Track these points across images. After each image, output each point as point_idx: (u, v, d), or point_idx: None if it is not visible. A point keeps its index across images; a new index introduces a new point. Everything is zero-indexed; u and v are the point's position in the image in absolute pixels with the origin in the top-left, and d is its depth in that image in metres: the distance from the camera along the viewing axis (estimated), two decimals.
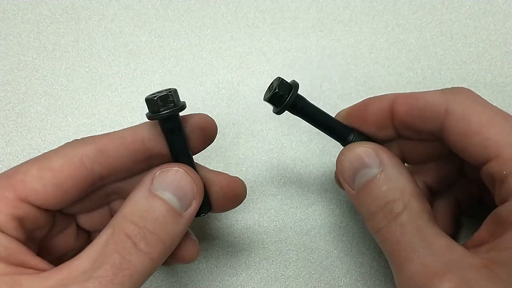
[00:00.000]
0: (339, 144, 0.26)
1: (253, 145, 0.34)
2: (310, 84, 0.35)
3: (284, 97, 0.23)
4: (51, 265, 0.21)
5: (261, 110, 0.35)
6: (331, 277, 0.31)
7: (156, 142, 0.23)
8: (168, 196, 0.21)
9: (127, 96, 0.35)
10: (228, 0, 0.37)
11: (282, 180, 0.33)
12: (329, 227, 0.32)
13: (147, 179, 0.22)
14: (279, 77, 0.23)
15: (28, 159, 0.22)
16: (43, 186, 0.21)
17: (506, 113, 0.21)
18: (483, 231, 0.21)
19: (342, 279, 0.31)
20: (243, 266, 0.31)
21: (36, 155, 0.22)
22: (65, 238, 0.25)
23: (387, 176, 0.22)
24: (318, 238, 0.32)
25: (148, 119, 0.22)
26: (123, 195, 0.25)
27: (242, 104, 0.35)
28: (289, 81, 0.24)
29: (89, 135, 0.23)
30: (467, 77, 0.35)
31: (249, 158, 0.34)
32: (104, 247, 0.20)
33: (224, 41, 0.36)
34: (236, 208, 0.32)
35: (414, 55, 0.35)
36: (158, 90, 0.23)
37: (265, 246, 0.32)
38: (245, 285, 0.31)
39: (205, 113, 0.25)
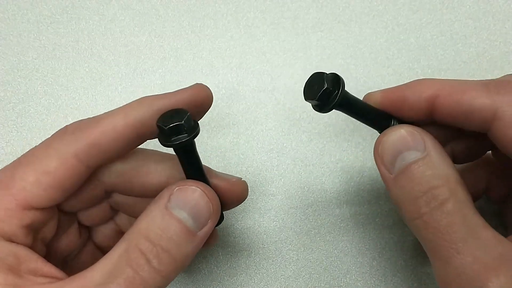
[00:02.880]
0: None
1: (253, 145, 0.34)
2: None
3: (333, 93, 0.21)
4: (62, 272, 0.21)
5: (261, 110, 0.35)
6: (331, 277, 0.31)
7: (148, 126, 0.22)
8: (183, 215, 0.21)
9: (127, 96, 0.35)
10: (228, 0, 0.37)
11: (282, 180, 0.33)
12: (329, 227, 0.32)
13: (164, 195, 0.22)
14: (320, 72, 0.22)
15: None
16: (43, 190, 0.21)
17: None
18: None
19: (342, 279, 0.31)
20: (243, 266, 0.31)
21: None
22: (69, 237, 0.25)
23: (432, 161, 0.21)
24: (318, 238, 0.32)
25: (167, 146, 0.22)
26: (122, 190, 0.25)
27: (242, 104, 0.35)
28: (328, 74, 0.22)
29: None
30: (467, 77, 0.34)
31: (249, 158, 0.34)
32: (118, 261, 0.20)
33: (224, 41, 0.36)
34: (236, 208, 0.32)
35: (414, 55, 0.35)
36: (169, 110, 0.22)
37: (265, 246, 0.32)
38: (245, 285, 0.31)
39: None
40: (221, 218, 0.25)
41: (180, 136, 0.21)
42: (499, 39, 0.35)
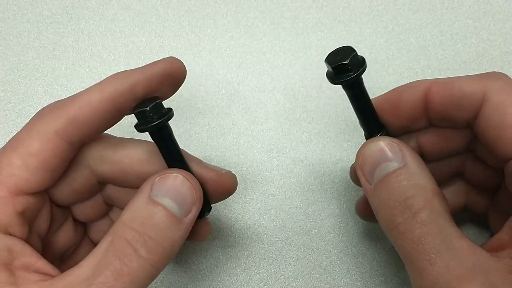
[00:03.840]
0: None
1: (253, 145, 0.34)
2: (310, 84, 0.35)
3: (350, 72, 0.22)
4: (56, 268, 0.21)
5: (261, 110, 0.35)
6: (331, 277, 0.31)
7: (124, 100, 0.23)
8: (167, 202, 0.21)
9: None
10: (228, 0, 0.37)
11: (282, 180, 0.33)
12: (329, 227, 0.32)
13: (146, 186, 0.22)
14: (353, 49, 0.22)
15: None
16: (31, 173, 0.21)
17: None
18: (504, 234, 0.21)
19: (342, 279, 0.31)
20: (243, 266, 0.31)
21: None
22: (65, 233, 0.25)
23: (409, 171, 0.21)
24: (318, 238, 0.32)
25: (138, 131, 0.22)
26: (115, 180, 0.25)
27: (242, 104, 0.35)
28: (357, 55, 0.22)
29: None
30: None
31: (249, 158, 0.34)
32: (105, 253, 0.20)
33: (224, 41, 0.36)
34: (236, 208, 0.32)
35: (414, 55, 0.35)
36: (141, 100, 0.23)
37: (265, 246, 0.32)
38: (245, 285, 0.31)
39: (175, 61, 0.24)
40: (209, 208, 0.25)
41: (151, 120, 0.22)
42: (499, 39, 0.35)
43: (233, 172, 0.26)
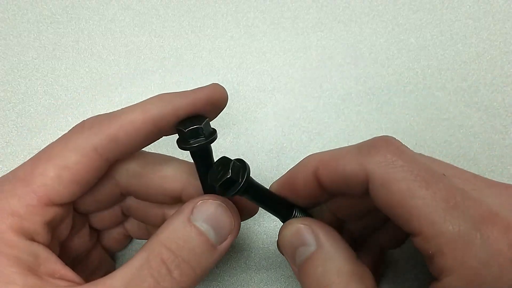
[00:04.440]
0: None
1: (253, 145, 0.34)
2: (310, 84, 0.35)
3: (236, 182, 0.22)
4: (78, 275, 0.21)
5: (261, 110, 0.35)
6: None
7: (166, 122, 0.23)
8: (206, 228, 0.22)
9: (127, 96, 0.35)
10: (228, 0, 0.37)
11: None
12: None
13: (187, 208, 0.22)
14: (228, 158, 0.22)
15: (28, 159, 0.22)
16: (63, 186, 0.21)
17: (431, 171, 0.20)
18: None
19: None
20: (243, 266, 0.31)
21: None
22: (81, 238, 0.25)
23: (323, 255, 0.21)
24: None
25: (184, 149, 0.22)
26: (137, 194, 0.25)
27: (242, 104, 0.35)
28: (237, 162, 0.22)
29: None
30: (467, 77, 0.35)
31: (249, 158, 0.34)
32: (139, 269, 0.20)
33: (224, 41, 0.36)
34: None
35: (414, 55, 0.35)
36: (189, 116, 0.23)
37: (265, 246, 0.32)
38: (245, 285, 0.31)
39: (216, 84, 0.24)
40: None
41: (197, 140, 0.22)
42: (499, 39, 0.35)
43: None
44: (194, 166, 0.23)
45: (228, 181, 0.21)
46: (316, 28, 0.37)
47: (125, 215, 0.27)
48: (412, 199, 0.19)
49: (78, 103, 0.35)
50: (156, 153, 0.26)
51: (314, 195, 0.24)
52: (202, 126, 0.21)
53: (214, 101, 0.23)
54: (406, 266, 0.31)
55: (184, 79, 0.35)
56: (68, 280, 0.20)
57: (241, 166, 0.22)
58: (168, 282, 0.20)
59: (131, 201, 0.26)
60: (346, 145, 0.27)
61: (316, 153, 0.23)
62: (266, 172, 0.33)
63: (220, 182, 0.21)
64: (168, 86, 0.35)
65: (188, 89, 0.23)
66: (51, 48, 0.37)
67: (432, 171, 0.20)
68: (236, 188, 0.21)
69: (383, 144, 0.21)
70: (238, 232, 0.23)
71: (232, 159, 0.22)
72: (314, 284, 0.21)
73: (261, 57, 0.36)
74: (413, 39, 0.36)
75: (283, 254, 0.24)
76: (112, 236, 0.28)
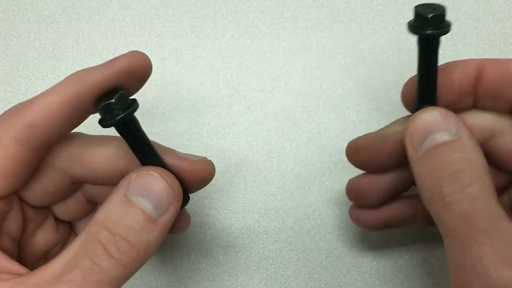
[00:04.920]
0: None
1: (253, 145, 0.34)
2: (310, 84, 0.35)
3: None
4: (27, 269, 0.21)
5: (261, 110, 0.35)
6: (331, 277, 0.31)
7: (85, 100, 0.21)
8: (142, 202, 0.21)
9: None
10: (228, 0, 0.37)
11: (282, 180, 0.33)
12: (329, 227, 0.32)
13: (123, 184, 0.21)
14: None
15: None
16: None
17: None
18: None
19: (342, 279, 0.31)
20: (243, 266, 0.31)
21: None
22: (45, 233, 0.25)
23: (463, 145, 0.20)
24: (318, 238, 0.32)
25: (103, 127, 0.21)
26: (88, 179, 0.24)
27: (242, 104, 0.35)
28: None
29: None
30: None
31: (249, 158, 0.34)
32: (77, 252, 0.20)
33: (224, 41, 0.36)
34: (236, 208, 0.32)
35: (414, 55, 0.35)
36: (104, 93, 0.21)
37: (265, 246, 0.32)
38: (245, 285, 0.31)
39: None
40: (187, 199, 0.25)
41: (113, 115, 0.20)
42: (499, 39, 0.35)
43: (209, 158, 0.25)
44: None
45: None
46: (316, 28, 0.37)
47: (93, 203, 0.27)
48: None
49: None
50: (94, 135, 0.25)
51: (464, 93, 0.23)
52: (114, 100, 0.20)
53: (134, 71, 0.22)
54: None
55: (184, 79, 0.35)
56: (14, 273, 0.20)
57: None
58: (106, 262, 0.20)
59: (89, 188, 0.26)
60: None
61: (468, 59, 0.23)
62: (266, 172, 0.33)
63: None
64: (168, 86, 0.35)
65: (105, 62, 0.22)
66: (51, 48, 0.37)
67: None
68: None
69: None
70: (180, 203, 0.22)
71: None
72: (446, 167, 0.20)
73: (261, 57, 0.36)
74: (413, 39, 0.36)
75: (407, 137, 0.22)
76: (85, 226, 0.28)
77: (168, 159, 0.24)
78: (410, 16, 0.23)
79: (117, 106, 0.20)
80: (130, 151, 0.23)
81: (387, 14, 0.37)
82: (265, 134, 0.34)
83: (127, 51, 0.22)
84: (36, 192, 0.23)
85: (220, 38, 0.37)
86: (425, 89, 0.23)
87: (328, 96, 0.35)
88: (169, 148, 0.24)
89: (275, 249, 0.31)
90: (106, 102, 0.20)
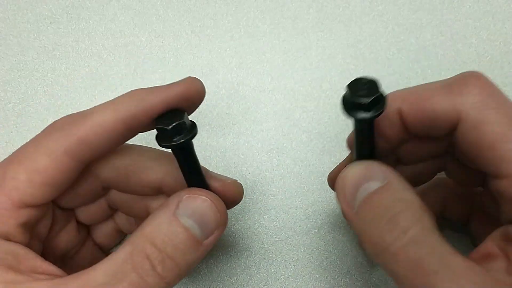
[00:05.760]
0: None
1: (253, 145, 0.34)
2: (310, 84, 0.35)
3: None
4: (61, 270, 0.21)
5: (261, 110, 0.35)
6: (331, 277, 0.31)
7: (139, 120, 0.22)
8: (191, 224, 0.21)
9: None
10: (228, 0, 0.37)
11: (282, 180, 0.33)
12: (329, 227, 0.32)
13: (172, 202, 0.22)
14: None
15: None
16: (35, 188, 0.21)
17: None
18: (491, 246, 0.20)
19: (342, 279, 0.31)
20: (243, 266, 0.31)
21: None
22: (67, 235, 0.25)
23: (394, 188, 0.20)
24: (318, 238, 0.32)
25: (161, 147, 0.21)
26: (119, 187, 0.25)
27: (242, 104, 0.35)
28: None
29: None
30: None
31: (249, 158, 0.34)
32: (123, 264, 0.20)
33: (224, 41, 0.36)
34: (236, 208, 0.32)
35: (414, 55, 0.35)
36: (166, 111, 0.22)
37: (265, 246, 0.32)
38: (245, 285, 0.31)
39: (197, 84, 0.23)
40: None
41: (179, 137, 0.21)
42: (499, 39, 0.35)
43: (239, 182, 0.25)
44: (171, 156, 0.23)
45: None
46: (316, 28, 0.37)
47: (113, 209, 0.27)
48: (505, 143, 0.19)
49: (78, 103, 0.35)
50: (133, 145, 0.25)
51: (395, 137, 0.23)
52: (184, 120, 0.21)
53: (190, 97, 0.23)
54: None
55: None
56: (50, 274, 0.20)
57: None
58: (152, 277, 0.20)
59: (114, 195, 0.26)
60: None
61: (397, 91, 0.22)
62: (266, 172, 0.33)
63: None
64: None
65: (163, 85, 0.23)
66: (51, 48, 0.37)
67: None
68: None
69: (475, 83, 0.20)
70: (225, 228, 0.23)
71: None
72: (382, 214, 0.20)
73: (261, 57, 0.36)
74: (413, 39, 0.36)
75: (338, 196, 0.22)
76: (103, 231, 0.28)
77: (208, 180, 0.24)
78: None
79: (178, 130, 0.21)
80: (165, 164, 0.24)
81: (387, 14, 0.37)
82: (265, 134, 0.34)
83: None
84: (68, 195, 0.24)
85: (220, 38, 0.37)
86: (361, 155, 0.23)
87: (328, 96, 0.35)
88: (203, 167, 0.25)
89: (275, 249, 0.31)
90: (178, 122, 0.21)
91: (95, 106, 0.22)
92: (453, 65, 0.35)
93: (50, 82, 0.36)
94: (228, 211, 0.32)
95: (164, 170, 0.24)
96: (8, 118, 0.35)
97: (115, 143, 0.23)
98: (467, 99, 0.20)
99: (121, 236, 0.30)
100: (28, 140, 0.35)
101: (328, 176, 0.27)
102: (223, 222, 0.23)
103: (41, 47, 0.37)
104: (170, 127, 0.21)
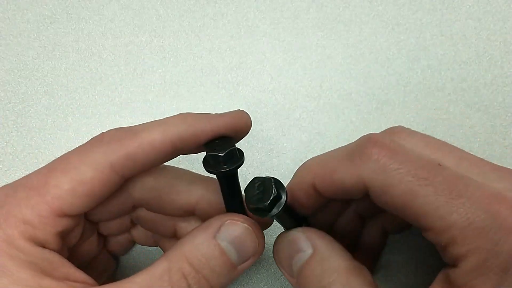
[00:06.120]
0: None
1: (253, 145, 0.34)
2: (310, 84, 0.35)
3: (281, 199, 0.21)
4: (91, 278, 0.21)
5: (261, 110, 0.35)
6: None
7: (185, 143, 0.23)
8: (230, 249, 0.22)
9: (127, 96, 0.35)
10: (228, 0, 0.37)
11: (282, 180, 0.33)
12: None
13: (214, 225, 0.22)
14: (260, 178, 0.22)
15: (28, 159, 0.22)
16: (77, 199, 0.21)
17: (428, 166, 0.19)
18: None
19: None
20: None
21: (56, 157, 0.22)
22: (89, 245, 0.26)
23: (320, 257, 0.22)
24: None
25: (208, 172, 0.22)
26: (150, 206, 0.25)
27: (242, 104, 0.35)
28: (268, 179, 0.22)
29: (103, 132, 0.23)
30: (467, 77, 0.35)
31: (249, 158, 0.34)
32: (159, 279, 0.20)
33: (224, 41, 0.36)
34: None
35: (414, 55, 0.35)
36: (215, 138, 0.23)
37: (265, 246, 0.32)
38: (245, 285, 0.31)
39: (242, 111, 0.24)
40: None
41: (231, 162, 0.21)
42: (499, 39, 0.35)
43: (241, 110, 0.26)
44: (208, 179, 0.23)
45: (275, 199, 0.21)
46: (316, 28, 0.37)
47: (133, 223, 0.28)
48: (415, 199, 0.19)
49: (78, 103, 0.35)
50: (171, 166, 0.25)
51: (317, 202, 0.24)
52: (235, 147, 0.22)
53: (238, 129, 0.24)
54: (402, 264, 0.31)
55: (184, 79, 0.35)
56: (83, 282, 0.21)
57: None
58: None
59: (142, 212, 0.26)
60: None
61: (309, 163, 0.23)
62: (266, 172, 0.33)
63: (269, 201, 0.21)
64: (168, 86, 0.35)
65: (214, 113, 0.23)
66: (51, 48, 0.37)
67: (429, 165, 0.19)
68: (280, 205, 0.21)
69: (372, 147, 0.20)
70: (260, 255, 0.24)
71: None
72: (315, 284, 0.21)
73: (261, 57, 0.36)
74: (413, 39, 0.36)
75: (279, 267, 0.24)
76: (118, 242, 0.28)
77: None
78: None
79: (229, 157, 0.21)
80: (201, 188, 0.24)
81: (387, 14, 0.37)
82: (265, 134, 0.34)
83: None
84: (99, 210, 0.24)
85: (220, 38, 0.37)
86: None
87: (328, 96, 0.35)
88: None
89: None
90: (231, 149, 0.21)
91: (144, 123, 0.23)
92: (453, 65, 0.35)
93: (50, 82, 0.36)
94: None
95: (199, 194, 0.24)
96: (8, 118, 0.35)
97: (160, 162, 0.23)
98: (367, 166, 0.20)
99: (132, 245, 0.30)
100: (28, 140, 0.35)
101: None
102: (261, 250, 0.23)
103: (41, 47, 0.37)
104: (223, 153, 0.21)
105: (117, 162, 0.22)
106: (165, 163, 0.24)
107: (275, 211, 0.21)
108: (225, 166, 0.21)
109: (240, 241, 0.22)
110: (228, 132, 0.23)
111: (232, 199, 0.24)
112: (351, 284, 0.20)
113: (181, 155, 0.24)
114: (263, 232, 0.24)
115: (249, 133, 0.34)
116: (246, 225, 0.23)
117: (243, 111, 0.24)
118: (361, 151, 0.21)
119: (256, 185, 0.21)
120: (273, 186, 0.21)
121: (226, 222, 0.22)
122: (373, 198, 0.21)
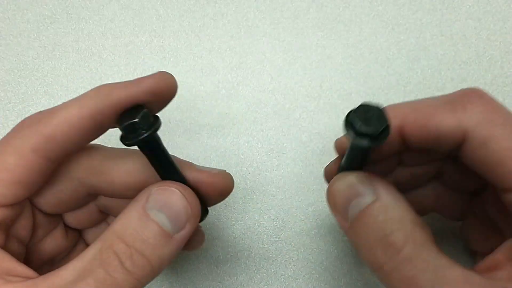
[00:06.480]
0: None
1: (253, 145, 0.34)
2: (310, 84, 0.35)
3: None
4: (36, 273, 0.21)
5: (261, 110, 0.35)
6: (331, 277, 0.31)
7: (106, 116, 0.21)
8: (160, 217, 0.21)
9: None
10: (228, 0, 0.37)
11: (282, 180, 0.33)
12: (329, 227, 0.32)
13: (142, 197, 0.22)
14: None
15: None
16: (5, 188, 0.21)
17: None
18: (500, 255, 0.20)
19: (342, 279, 0.31)
20: (243, 266, 0.31)
21: None
22: (54, 239, 0.25)
23: (383, 205, 0.20)
24: (318, 238, 0.32)
25: (126, 145, 0.21)
26: (105, 192, 0.24)
27: (242, 104, 0.35)
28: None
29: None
30: (467, 77, 0.35)
31: (249, 158, 0.34)
32: (91, 261, 0.20)
33: (224, 41, 0.36)
34: (236, 208, 0.32)
35: (414, 55, 0.35)
36: (128, 108, 0.21)
37: (265, 246, 0.32)
38: (245, 285, 0.31)
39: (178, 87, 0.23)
40: (205, 213, 0.25)
41: (137, 134, 0.20)
42: (499, 39, 0.35)
43: (227, 172, 0.25)
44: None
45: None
46: (316, 28, 0.37)
47: (105, 214, 0.27)
48: None
49: None
50: (114, 148, 0.25)
51: (392, 149, 0.23)
52: (137, 120, 0.20)
53: (160, 92, 0.22)
54: None
55: (184, 79, 0.36)
56: (22, 276, 0.20)
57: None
58: (120, 273, 0.20)
59: (104, 200, 0.26)
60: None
61: (398, 106, 0.22)
62: (266, 172, 0.33)
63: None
64: None
65: (132, 79, 0.22)
66: (51, 48, 0.37)
67: None
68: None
69: (478, 99, 0.20)
70: (197, 221, 0.22)
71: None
72: (374, 233, 0.20)
73: (261, 57, 0.36)
74: (413, 39, 0.36)
75: (331, 209, 0.22)
76: (96, 234, 0.27)
77: (187, 173, 0.24)
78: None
79: (140, 126, 0.20)
80: (149, 164, 0.23)
81: (387, 14, 0.37)
82: (265, 134, 0.34)
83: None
84: (50, 200, 0.24)
85: (220, 38, 0.37)
86: (351, 167, 0.23)
87: (328, 96, 0.35)
88: (188, 162, 0.24)
89: (275, 249, 0.31)
90: (129, 122, 0.20)
91: (62, 103, 0.22)
92: (453, 65, 0.35)
93: (50, 82, 0.36)
94: (229, 211, 0.32)
95: (148, 170, 0.23)
96: (8, 118, 0.35)
97: (84, 140, 0.22)
98: (472, 116, 0.20)
99: None
100: None
101: (324, 169, 0.27)
102: (194, 214, 0.22)
103: (41, 47, 0.37)
104: (122, 126, 0.20)
105: (38, 145, 0.21)
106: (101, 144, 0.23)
107: (377, 142, 0.19)
108: (143, 132, 0.20)
109: (169, 206, 0.21)
110: (149, 97, 0.21)
111: (162, 168, 0.23)
112: (415, 236, 0.19)
113: (111, 129, 0.23)
114: (195, 196, 0.22)
115: (249, 133, 0.34)
116: (173, 188, 0.22)
117: (166, 72, 0.22)
118: (465, 100, 0.20)
119: (372, 108, 0.19)
120: (388, 120, 0.19)
121: (154, 190, 0.21)
122: (467, 151, 0.20)
